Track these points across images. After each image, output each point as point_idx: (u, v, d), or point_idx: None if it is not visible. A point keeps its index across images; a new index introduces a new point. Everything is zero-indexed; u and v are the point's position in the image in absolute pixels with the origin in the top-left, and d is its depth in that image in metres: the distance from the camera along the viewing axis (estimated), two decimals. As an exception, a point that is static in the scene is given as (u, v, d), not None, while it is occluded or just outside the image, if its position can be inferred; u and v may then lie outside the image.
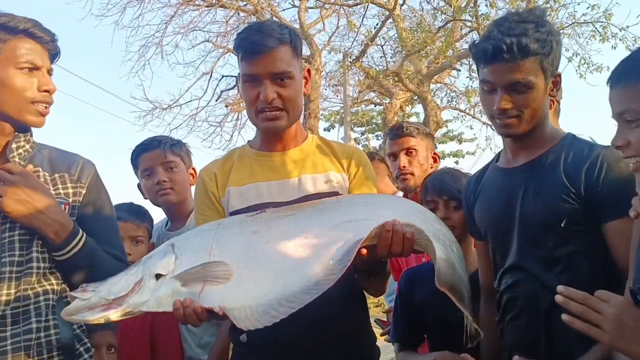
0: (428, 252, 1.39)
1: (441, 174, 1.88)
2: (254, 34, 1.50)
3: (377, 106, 16.98)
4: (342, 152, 1.64)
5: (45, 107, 1.42)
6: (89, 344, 1.45)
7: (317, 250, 1.29)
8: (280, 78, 1.50)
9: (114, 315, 1.24)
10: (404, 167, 2.27)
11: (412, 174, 2.28)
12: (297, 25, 14.17)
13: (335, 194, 1.54)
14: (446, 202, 1.74)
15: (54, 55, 1.46)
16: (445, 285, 1.34)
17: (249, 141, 1.71)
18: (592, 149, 1.40)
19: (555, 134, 1.50)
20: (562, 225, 1.36)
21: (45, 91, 1.41)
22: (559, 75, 1.47)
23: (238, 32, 1.59)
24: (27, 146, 1.45)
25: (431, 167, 2.33)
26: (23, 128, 1.44)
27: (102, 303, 1.24)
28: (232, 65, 14.57)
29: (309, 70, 1.64)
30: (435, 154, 2.40)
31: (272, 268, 1.28)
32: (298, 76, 1.54)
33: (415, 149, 2.30)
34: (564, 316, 1.10)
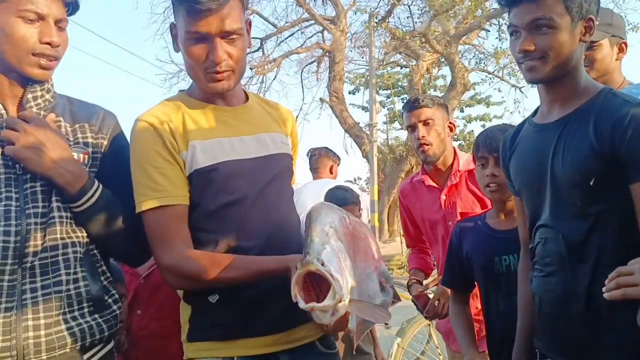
0: None
1: (493, 130, 1.92)
2: None
3: (403, 68, 16.71)
4: (284, 115, 1.64)
5: (50, 60, 1.35)
6: (116, 296, 1.46)
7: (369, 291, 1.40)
8: (231, 36, 1.39)
9: (326, 321, 1.17)
10: (422, 137, 2.36)
11: (430, 144, 2.37)
12: (322, -15, 13.88)
13: (289, 156, 1.58)
14: (496, 159, 1.76)
15: (72, 7, 1.40)
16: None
17: (182, 91, 1.55)
18: (624, 105, 1.34)
19: (592, 88, 1.45)
20: (591, 183, 1.33)
21: (47, 43, 1.33)
22: (592, 20, 1.41)
23: None
24: (48, 96, 1.41)
25: (448, 136, 2.44)
26: (34, 80, 1.37)
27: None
28: (256, 27, 14.45)
29: (250, 23, 1.51)
30: (450, 123, 2.49)
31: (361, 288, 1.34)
32: (245, 32, 1.45)
33: (432, 119, 2.38)
34: (606, 295, 1.12)
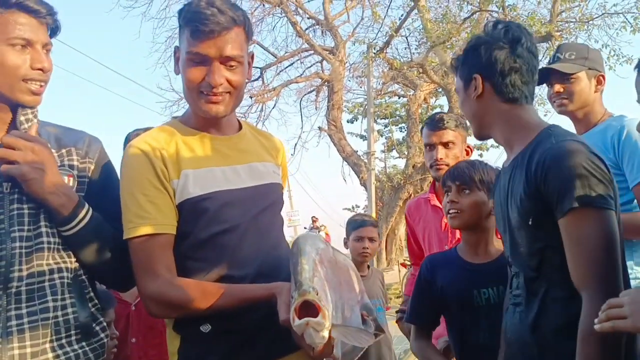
0: None
1: (461, 162, 2.00)
2: (207, 9, 1.35)
3: (401, 98, 16.86)
4: (276, 145, 1.65)
5: (41, 86, 1.36)
6: (104, 324, 1.44)
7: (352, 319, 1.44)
8: (230, 62, 1.40)
9: (318, 341, 1.21)
10: (440, 159, 2.34)
11: (447, 165, 2.33)
12: (322, 17, 14.13)
13: (280, 186, 1.59)
14: (458, 187, 1.83)
15: (53, 30, 1.40)
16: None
17: (175, 118, 1.56)
18: (547, 144, 1.36)
19: (534, 129, 1.46)
20: (530, 223, 1.37)
21: (39, 69, 1.34)
22: (480, 77, 1.46)
23: (186, 2, 1.44)
24: (35, 120, 1.41)
25: (464, 160, 2.38)
26: (24, 106, 1.37)
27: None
28: (257, 56, 14.62)
29: (252, 56, 1.54)
30: (468, 146, 2.47)
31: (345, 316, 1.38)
32: (246, 62, 1.46)
33: (452, 143, 2.36)
34: (596, 327, 1.12)
